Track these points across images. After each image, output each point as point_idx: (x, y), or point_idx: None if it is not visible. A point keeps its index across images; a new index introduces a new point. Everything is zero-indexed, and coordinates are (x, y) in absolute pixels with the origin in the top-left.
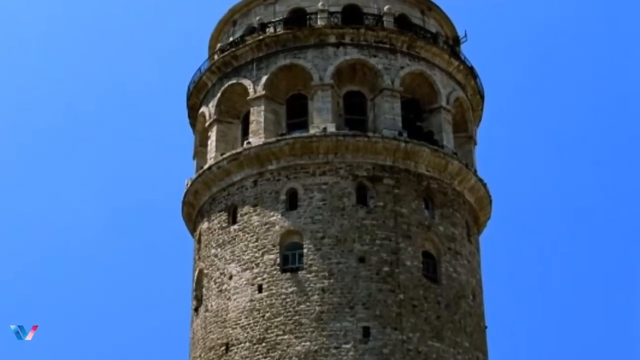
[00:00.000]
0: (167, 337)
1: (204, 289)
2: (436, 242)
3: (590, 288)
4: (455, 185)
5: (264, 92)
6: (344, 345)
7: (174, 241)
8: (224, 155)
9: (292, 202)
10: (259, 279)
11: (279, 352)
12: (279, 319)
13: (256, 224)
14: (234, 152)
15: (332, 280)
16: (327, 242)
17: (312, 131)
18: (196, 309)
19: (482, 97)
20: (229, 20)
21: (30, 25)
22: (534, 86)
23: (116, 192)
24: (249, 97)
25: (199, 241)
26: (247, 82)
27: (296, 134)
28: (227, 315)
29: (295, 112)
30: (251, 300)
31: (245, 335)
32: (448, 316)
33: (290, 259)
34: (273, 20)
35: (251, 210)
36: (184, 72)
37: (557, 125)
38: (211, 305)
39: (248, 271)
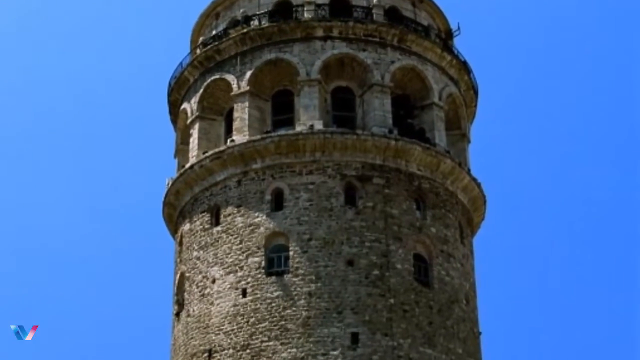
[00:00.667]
0: (147, 343)
1: (185, 293)
2: (428, 245)
3: (589, 293)
4: (448, 185)
5: (248, 88)
6: (331, 352)
7: (155, 243)
8: (207, 154)
9: (277, 203)
10: (243, 282)
11: (264, 359)
12: (264, 324)
13: (240, 225)
14: (216, 150)
15: (319, 284)
16: (314, 244)
17: (298, 129)
18: (177, 314)
19: (476, 93)
20: (212, 13)
21: (6, 17)
22: (530, 81)
23: (94, 192)
24: (232, 93)
25: (180, 243)
26: (230, 78)
27: (282, 132)
28: (209, 320)
29: (281, 109)
30: (235, 305)
31: (229, 341)
32: (440, 322)
33: (275, 262)
34: (258, 12)
35: (235, 211)
36: (165, 66)
37: (554, 122)
38: (193, 310)
39: (232, 275)
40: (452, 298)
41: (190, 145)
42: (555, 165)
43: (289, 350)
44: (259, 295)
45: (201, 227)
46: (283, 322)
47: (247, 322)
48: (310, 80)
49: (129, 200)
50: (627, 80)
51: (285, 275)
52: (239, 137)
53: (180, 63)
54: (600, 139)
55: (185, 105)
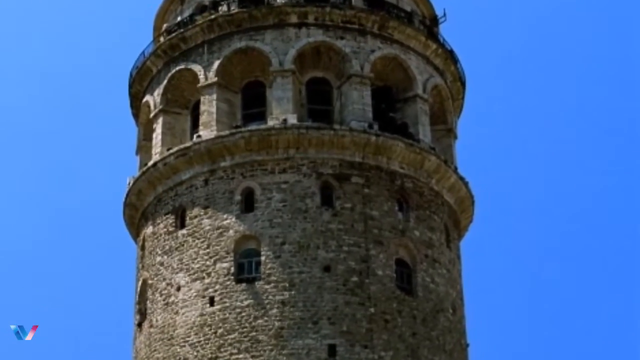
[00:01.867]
0: (107, 355)
1: (148, 302)
2: (411, 249)
3: (586, 302)
4: (433, 184)
5: (216, 79)
6: None
7: (114, 248)
8: (171, 151)
9: (248, 204)
10: (210, 290)
11: None
12: (233, 335)
13: (207, 228)
14: (182, 146)
15: (293, 292)
16: (287, 248)
17: (270, 123)
18: (139, 324)
19: (464, 85)
20: None
21: None
22: (521, 73)
23: (49, 192)
24: (199, 85)
25: (142, 248)
26: (197, 68)
27: (253, 127)
28: (174, 331)
29: (252, 102)
30: (202, 315)
31: (195, 354)
32: (425, 332)
33: (246, 268)
34: None
35: (202, 213)
36: (126, 55)
37: (546, 117)
38: (156, 320)
39: (198, 282)
40: (437, 307)
41: (154, 142)
42: (548, 164)
43: None
44: (227, 304)
45: (165, 230)
46: (254, 333)
47: (215, 333)
48: (284, 71)
49: (87, 201)
50: (623, 74)
51: (256, 282)
52: (206, 132)
53: (143, 52)
54: (595, 134)
55: (147, 97)
